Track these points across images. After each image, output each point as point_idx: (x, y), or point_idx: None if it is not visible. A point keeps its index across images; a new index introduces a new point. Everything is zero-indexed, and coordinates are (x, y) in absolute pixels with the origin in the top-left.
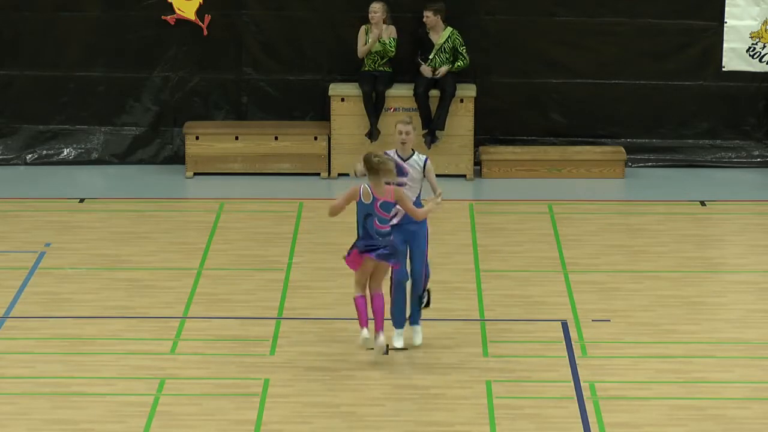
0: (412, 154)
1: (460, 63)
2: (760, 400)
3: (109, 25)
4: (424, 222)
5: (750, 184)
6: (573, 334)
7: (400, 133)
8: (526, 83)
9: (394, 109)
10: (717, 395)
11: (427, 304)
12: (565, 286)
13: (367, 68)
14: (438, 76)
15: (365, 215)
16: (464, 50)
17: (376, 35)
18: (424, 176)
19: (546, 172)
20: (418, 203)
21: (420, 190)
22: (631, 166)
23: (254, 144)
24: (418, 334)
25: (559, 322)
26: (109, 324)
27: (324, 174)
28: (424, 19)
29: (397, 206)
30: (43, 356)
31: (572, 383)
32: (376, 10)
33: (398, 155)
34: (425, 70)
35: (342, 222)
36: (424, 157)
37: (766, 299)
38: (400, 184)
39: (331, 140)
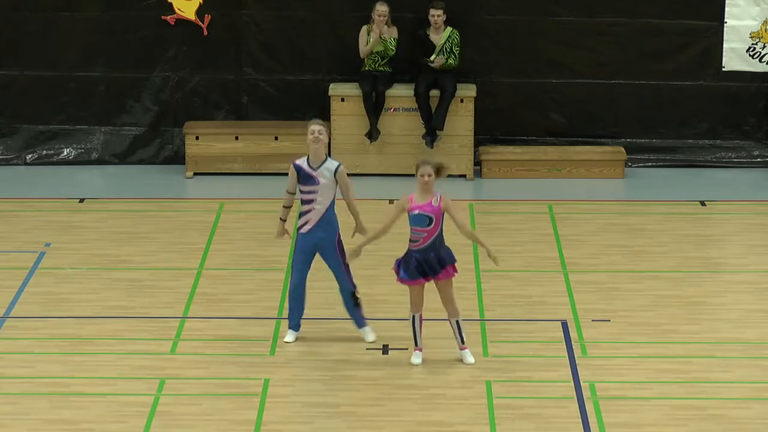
0: (325, 161)
1: (451, 61)
2: (760, 400)
3: (109, 25)
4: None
5: (750, 184)
6: (573, 334)
7: (313, 134)
8: (526, 83)
9: (394, 109)
10: (717, 395)
11: (358, 303)
12: (565, 286)
13: (367, 68)
14: (436, 65)
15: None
16: (458, 51)
17: (378, 35)
18: (337, 183)
19: (546, 172)
20: (332, 210)
21: (333, 198)
22: (631, 166)
23: (254, 144)
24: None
25: (559, 322)
26: (109, 324)
27: None
28: (436, 18)
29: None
30: (43, 356)
31: (572, 383)
32: (384, 13)
33: (308, 164)
34: (431, 60)
35: (342, 223)
36: (336, 163)
37: (766, 299)
38: (311, 192)
39: (331, 140)
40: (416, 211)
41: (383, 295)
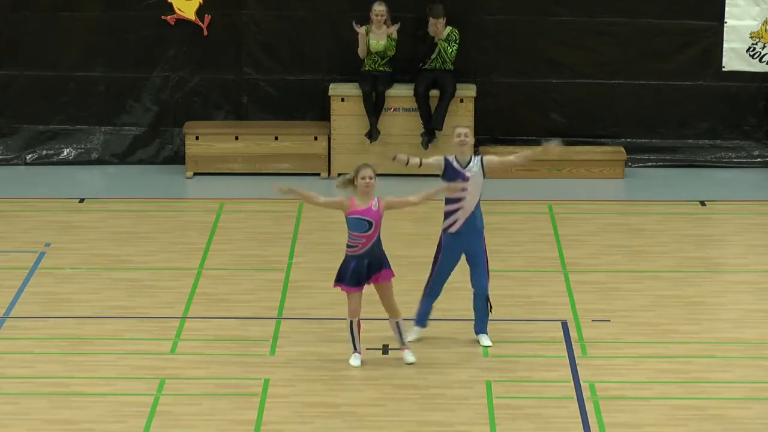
0: (470, 160)
1: (451, 51)
2: (760, 400)
3: (109, 25)
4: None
5: (750, 184)
6: (573, 334)
7: (459, 137)
8: (526, 83)
9: (394, 109)
10: (717, 395)
11: (490, 310)
12: (565, 286)
13: (367, 68)
14: (436, 38)
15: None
16: (456, 47)
17: (379, 35)
18: (485, 175)
19: (546, 172)
20: (479, 209)
21: (480, 196)
22: (631, 166)
23: (254, 144)
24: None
25: (559, 322)
26: (109, 324)
27: (324, 174)
28: (436, 29)
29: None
30: (43, 356)
31: (572, 383)
32: (382, 13)
33: (457, 161)
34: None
35: (342, 223)
36: (479, 155)
37: (766, 299)
38: (463, 189)
39: (331, 140)
40: (356, 216)
41: None
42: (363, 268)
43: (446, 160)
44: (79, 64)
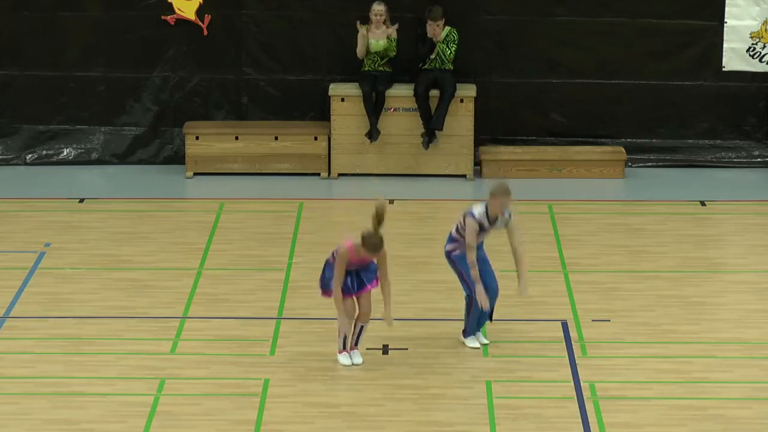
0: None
1: (447, 51)
2: (760, 400)
3: (109, 25)
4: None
5: (750, 184)
6: (573, 334)
7: (503, 205)
8: (526, 83)
9: (394, 109)
10: (717, 395)
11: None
12: (565, 286)
13: (367, 68)
14: (436, 39)
15: None
16: (455, 48)
17: (379, 35)
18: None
19: (546, 172)
20: (481, 247)
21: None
22: (631, 166)
23: (254, 144)
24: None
25: (559, 322)
26: (109, 324)
27: (324, 174)
28: (435, 31)
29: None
30: (43, 356)
31: (572, 383)
32: (381, 12)
33: (487, 217)
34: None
35: (342, 223)
36: (509, 211)
37: (766, 299)
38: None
39: (331, 140)
40: (353, 269)
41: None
42: (363, 273)
43: (479, 224)
44: (79, 64)
